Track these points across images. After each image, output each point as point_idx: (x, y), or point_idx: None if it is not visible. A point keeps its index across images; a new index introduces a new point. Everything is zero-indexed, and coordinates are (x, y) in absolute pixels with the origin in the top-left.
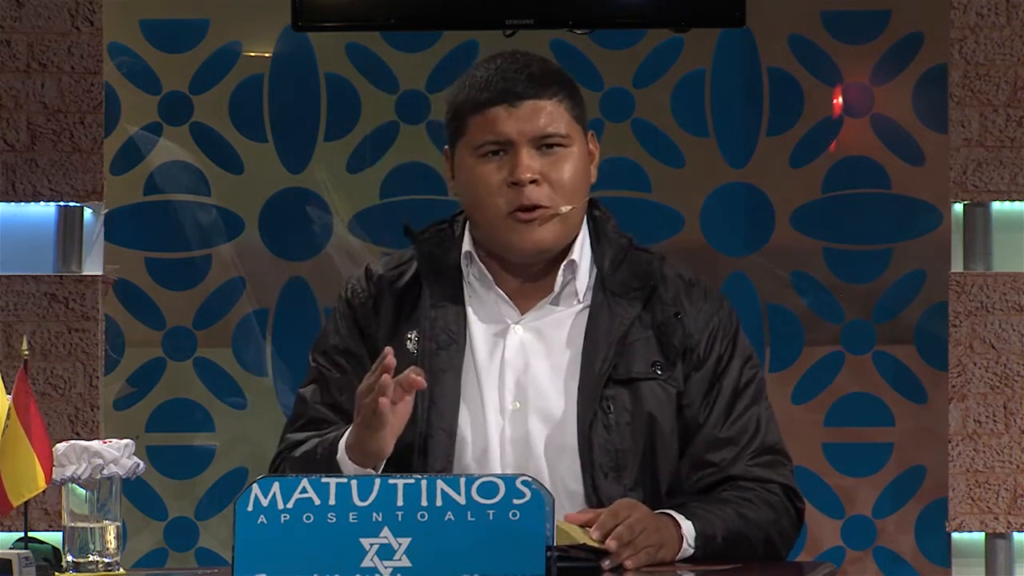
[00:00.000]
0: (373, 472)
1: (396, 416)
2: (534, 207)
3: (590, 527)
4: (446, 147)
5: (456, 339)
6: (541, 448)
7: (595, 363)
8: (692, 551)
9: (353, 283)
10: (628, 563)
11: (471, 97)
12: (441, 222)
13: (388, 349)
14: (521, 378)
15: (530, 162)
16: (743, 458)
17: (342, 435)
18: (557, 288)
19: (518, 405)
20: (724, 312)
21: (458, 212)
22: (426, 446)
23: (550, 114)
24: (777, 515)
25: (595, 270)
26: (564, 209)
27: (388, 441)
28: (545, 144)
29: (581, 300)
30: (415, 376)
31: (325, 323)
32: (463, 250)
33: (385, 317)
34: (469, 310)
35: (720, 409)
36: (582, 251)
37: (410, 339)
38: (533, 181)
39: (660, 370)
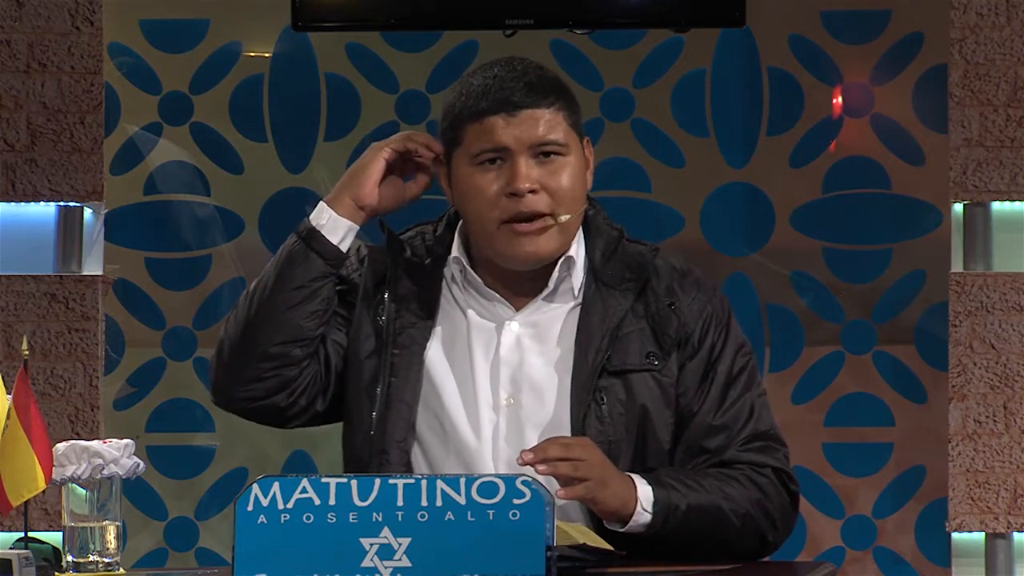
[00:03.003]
0: (354, 223)
1: (395, 184)
2: (533, 216)
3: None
4: (441, 157)
5: (425, 322)
6: (536, 442)
7: (588, 354)
8: (650, 517)
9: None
10: (560, 492)
11: (468, 106)
12: (425, 223)
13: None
14: (516, 374)
15: (528, 171)
16: (735, 443)
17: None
18: (552, 284)
19: (512, 401)
20: (716, 301)
21: (442, 214)
22: (386, 416)
23: (548, 123)
24: (764, 494)
25: (588, 263)
26: (563, 218)
27: (375, 193)
28: (542, 152)
29: (576, 296)
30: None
31: None
32: (452, 255)
33: (369, 277)
34: (467, 309)
35: (714, 397)
36: (579, 248)
37: (381, 310)
38: (532, 191)
39: (656, 360)
